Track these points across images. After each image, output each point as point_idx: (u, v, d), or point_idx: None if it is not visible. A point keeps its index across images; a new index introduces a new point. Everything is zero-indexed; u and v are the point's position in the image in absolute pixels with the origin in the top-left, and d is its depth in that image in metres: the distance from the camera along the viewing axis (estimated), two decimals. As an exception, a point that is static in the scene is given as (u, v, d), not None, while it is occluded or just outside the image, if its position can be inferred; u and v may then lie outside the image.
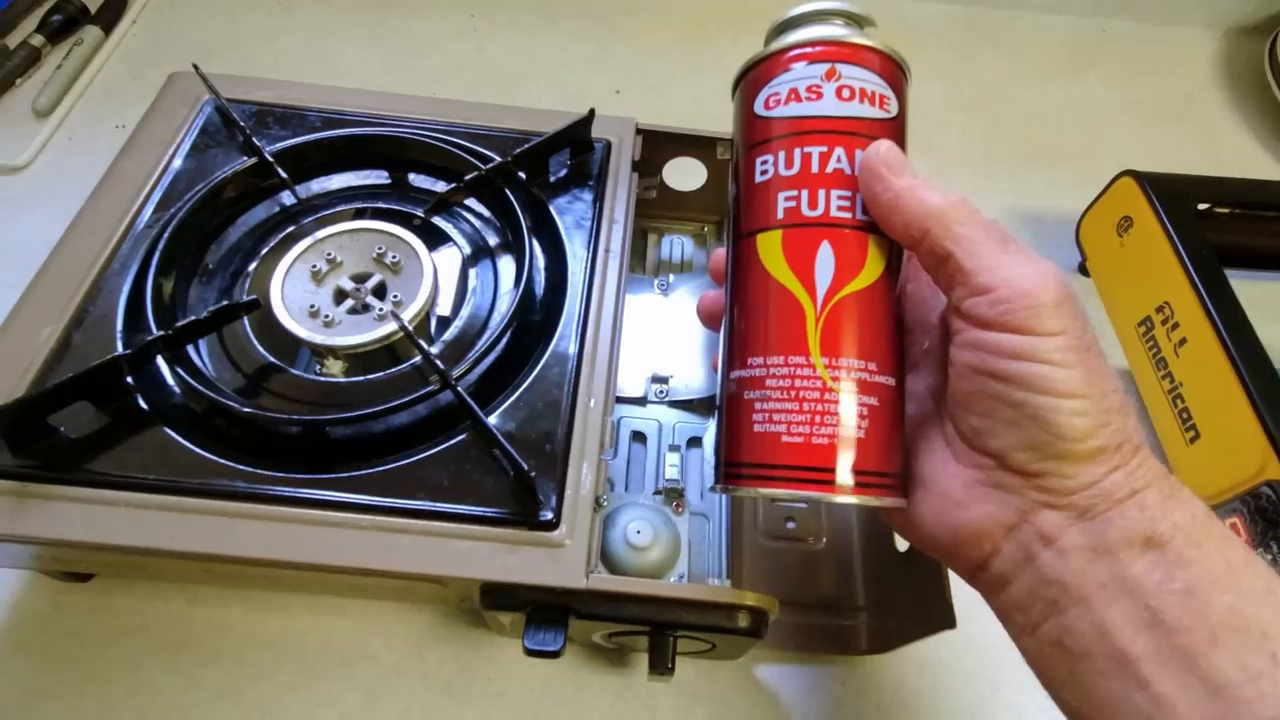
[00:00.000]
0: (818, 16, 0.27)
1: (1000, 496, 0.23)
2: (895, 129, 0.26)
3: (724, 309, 0.28)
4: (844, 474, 0.23)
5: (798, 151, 0.25)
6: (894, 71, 0.26)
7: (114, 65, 0.57)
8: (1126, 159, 0.49)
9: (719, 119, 0.44)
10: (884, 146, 0.24)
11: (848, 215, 0.25)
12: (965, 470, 0.24)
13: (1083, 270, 0.53)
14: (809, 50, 0.26)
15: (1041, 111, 0.63)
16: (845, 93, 0.25)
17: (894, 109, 0.26)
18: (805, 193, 0.25)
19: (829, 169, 0.25)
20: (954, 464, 0.25)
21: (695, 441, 0.41)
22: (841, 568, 0.39)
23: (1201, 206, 0.47)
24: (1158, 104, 0.64)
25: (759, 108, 0.27)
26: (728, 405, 0.26)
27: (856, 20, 0.28)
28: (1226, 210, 0.48)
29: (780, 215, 0.25)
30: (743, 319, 0.26)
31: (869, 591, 0.38)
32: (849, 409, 0.23)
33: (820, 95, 0.25)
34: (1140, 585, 0.21)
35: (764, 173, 0.26)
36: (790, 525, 0.40)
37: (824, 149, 0.25)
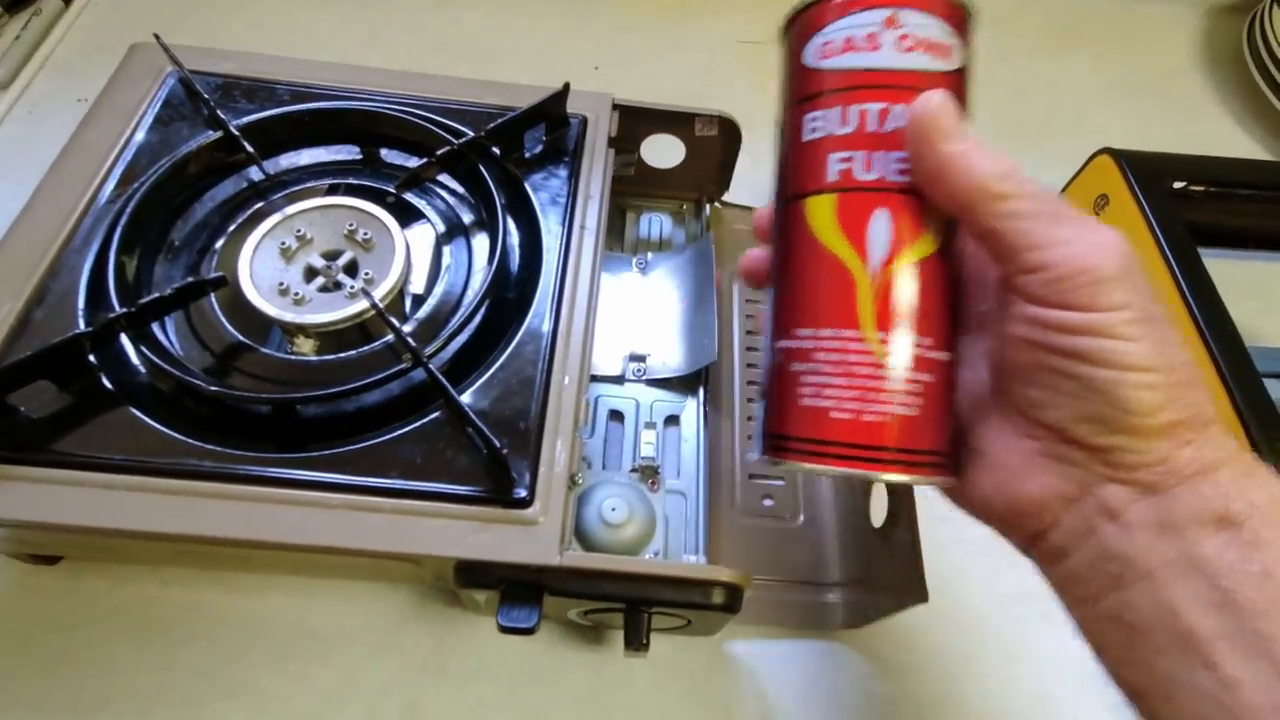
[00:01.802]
0: None
1: (1061, 468, 0.23)
2: (958, 82, 0.24)
3: (768, 270, 0.26)
4: (894, 453, 0.22)
5: (854, 108, 0.23)
6: (959, 17, 0.24)
7: (75, 36, 0.56)
8: (1108, 137, 0.49)
9: (699, 97, 0.44)
10: (934, 102, 0.22)
11: (906, 179, 0.23)
12: (1023, 441, 0.23)
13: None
14: None
15: (1024, 89, 0.63)
16: (906, 42, 0.23)
17: (958, 60, 0.24)
18: (861, 154, 0.23)
19: (887, 127, 0.23)
20: (1011, 434, 0.23)
21: (673, 420, 0.41)
22: (817, 544, 0.39)
23: (1177, 185, 0.47)
24: (1140, 82, 0.64)
25: (809, 58, 0.24)
26: (774, 375, 0.24)
27: None
28: (1202, 189, 0.48)
29: (833, 178, 0.23)
30: (790, 287, 0.24)
31: (844, 567, 0.38)
32: (902, 386, 0.22)
33: (878, 45, 0.23)
34: (1212, 564, 0.21)
35: (814, 130, 0.24)
36: (767, 503, 0.40)
37: (882, 105, 0.23)
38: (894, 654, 0.37)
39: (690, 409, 0.42)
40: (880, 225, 0.23)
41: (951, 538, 0.41)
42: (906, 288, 0.22)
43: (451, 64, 0.58)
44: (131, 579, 0.35)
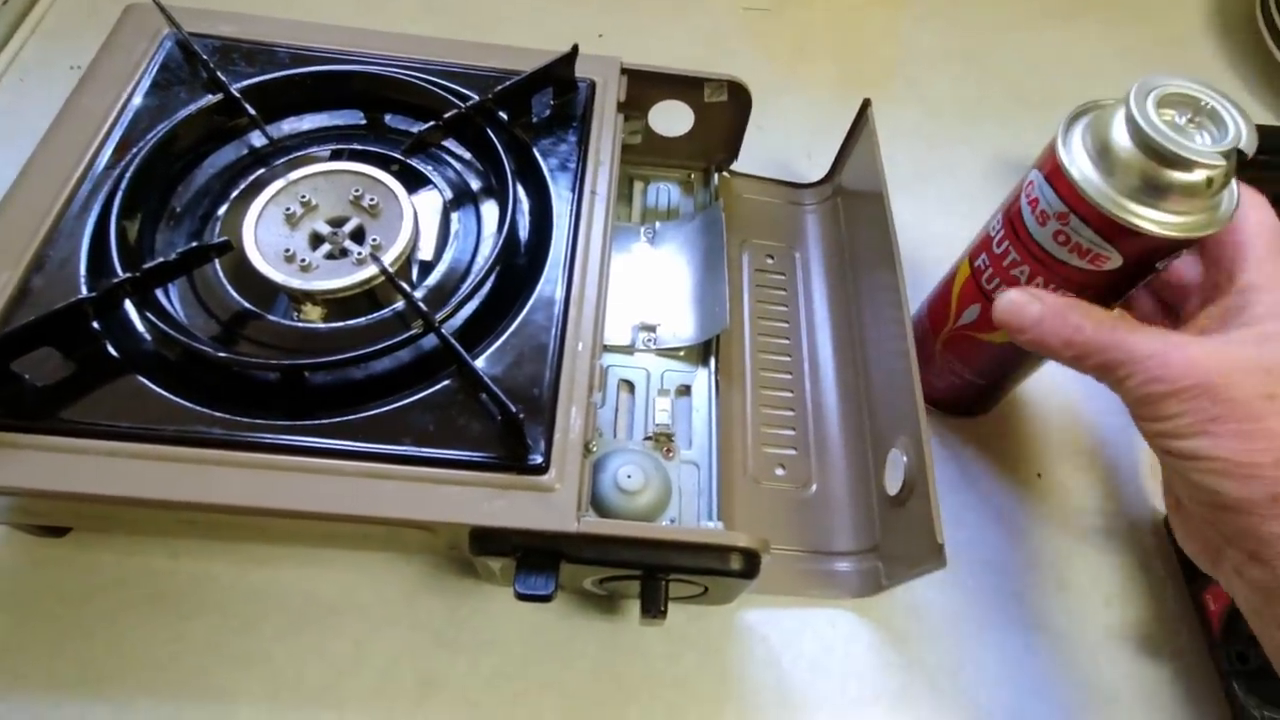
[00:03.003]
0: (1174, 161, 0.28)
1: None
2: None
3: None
4: None
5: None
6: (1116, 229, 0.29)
7: (65, 2, 0.54)
8: (1118, 103, 0.48)
9: (703, 65, 0.43)
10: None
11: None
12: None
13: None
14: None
15: (1033, 57, 0.62)
16: (1060, 238, 0.31)
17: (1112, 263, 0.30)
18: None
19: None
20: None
21: (684, 390, 0.41)
22: (830, 513, 0.39)
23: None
24: (1150, 49, 0.63)
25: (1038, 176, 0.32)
26: None
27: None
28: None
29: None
30: None
31: (857, 536, 0.38)
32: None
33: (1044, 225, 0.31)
34: None
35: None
36: (779, 472, 0.40)
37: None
38: (907, 622, 0.37)
39: (701, 379, 0.41)
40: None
41: (964, 506, 0.41)
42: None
43: (451, 29, 0.56)
44: (140, 551, 0.35)
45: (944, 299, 0.39)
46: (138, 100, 0.37)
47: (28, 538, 0.35)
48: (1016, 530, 0.41)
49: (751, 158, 0.49)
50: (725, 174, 0.49)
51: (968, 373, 0.40)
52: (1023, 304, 0.30)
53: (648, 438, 0.37)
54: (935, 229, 0.48)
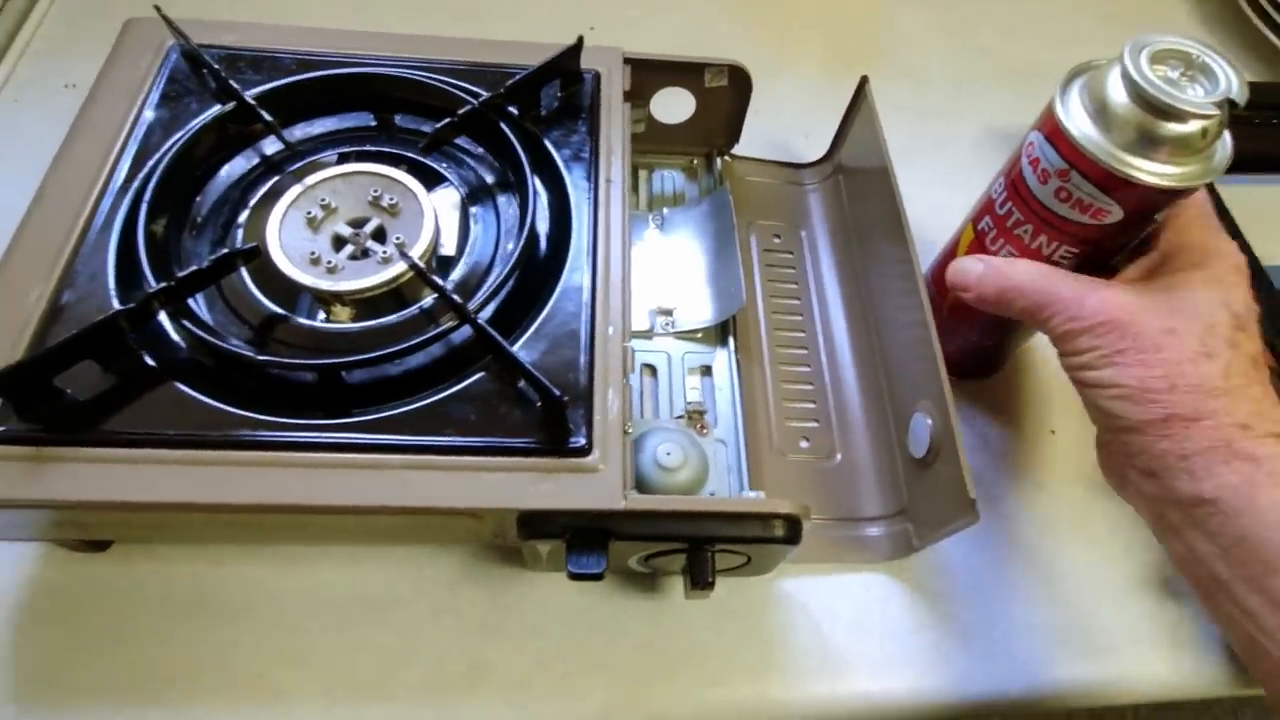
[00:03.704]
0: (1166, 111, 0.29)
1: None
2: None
3: None
4: None
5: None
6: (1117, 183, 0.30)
7: (54, 20, 0.54)
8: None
9: (696, 51, 0.44)
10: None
11: None
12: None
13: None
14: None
15: (1018, 29, 0.63)
16: (1062, 194, 0.32)
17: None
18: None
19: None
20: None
21: (705, 370, 0.42)
22: (856, 480, 0.40)
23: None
24: (1128, 17, 0.65)
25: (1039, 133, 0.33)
26: None
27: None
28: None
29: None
30: None
31: (885, 500, 0.39)
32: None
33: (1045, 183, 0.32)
34: (1207, 529, 0.29)
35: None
36: (804, 444, 0.41)
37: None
38: (937, 582, 0.38)
39: (721, 359, 0.42)
40: None
41: (983, 466, 0.42)
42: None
43: (442, 26, 0.56)
44: (181, 559, 0.35)
45: (949, 264, 0.40)
46: (149, 113, 0.37)
47: (68, 554, 0.35)
48: (1034, 486, 0.42)
49: (750, 141, 0.49)
50: (727, 158, 0.49)
51: (974, 334, 0.41)
52: (968, 265, 0.35)
53: (679, 416, 0.38)
54: (932, 200, 0.49)
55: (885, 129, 0.43)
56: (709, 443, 0.37)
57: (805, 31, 0.62)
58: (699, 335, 0.42)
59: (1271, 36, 0.59)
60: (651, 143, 0.48)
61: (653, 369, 0.41)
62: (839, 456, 0.40)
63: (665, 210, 0.47)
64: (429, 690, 0.34)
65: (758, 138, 0.51)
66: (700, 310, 0.42)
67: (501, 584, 0.36)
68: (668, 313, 0.43)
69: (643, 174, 0.49)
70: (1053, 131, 0.32)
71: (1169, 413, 0.29)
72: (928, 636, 0.37)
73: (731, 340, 0.42)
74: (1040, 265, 0.34)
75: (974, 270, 0.35)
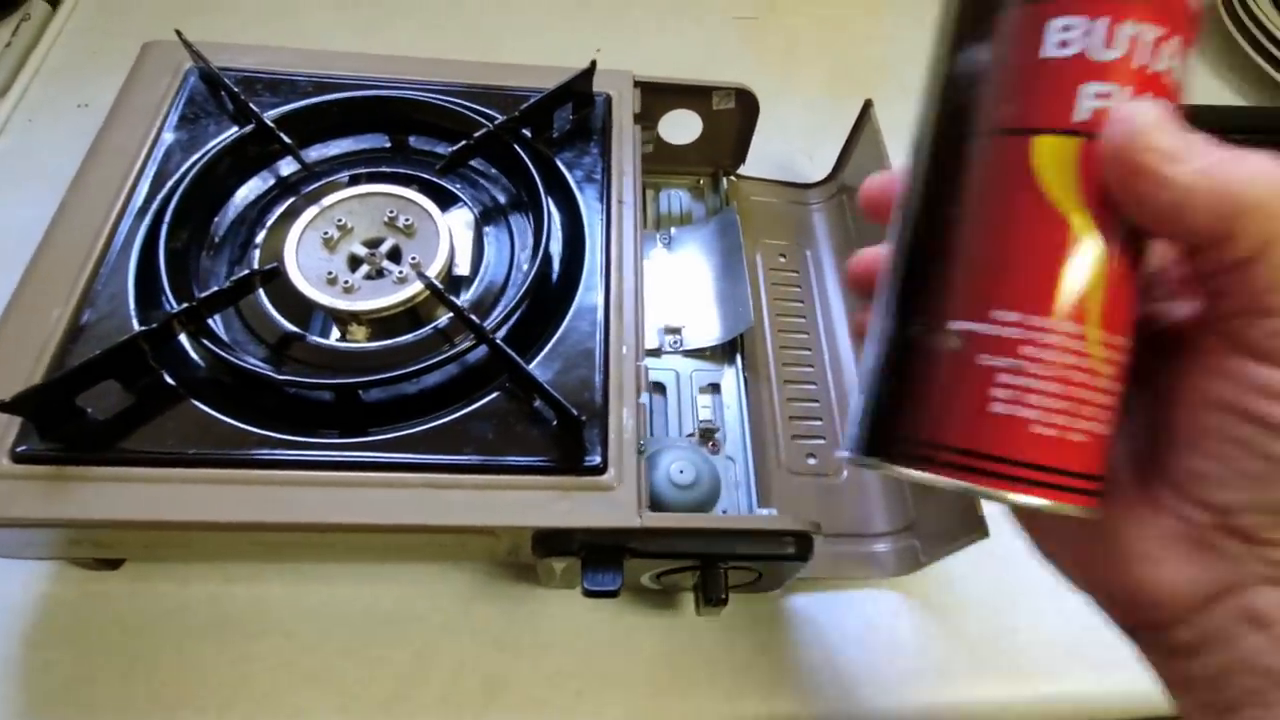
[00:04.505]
0: None
1: (1208, 560, 0.19)
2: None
3: (900, 237, 0.21)
4: (1093, 482, 0.18)
5: (1125, 27, 0.17)
6: None
7: (66, 41, 0.54)
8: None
9: (701, 74, 0.44)
10: (1148, 118, 0.17)
11: None
12: (1165, 520, 0.19)
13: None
14: None
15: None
16: None
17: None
18: (1125, 92, 0.17)
19: (1161, 65, 0.17)
20: (1151, 511, 0.20)
21: (714, 388, 0.42)
22: (863, 497, 0.40)
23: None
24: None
25: None
26: (938, 364, 0.19)
27: None
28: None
29: (1082, 116, 0.17)
30: (987, 250, 0.18)
31: (892, 517, 0.39)
32: (1111, 399, 0.18)
33: None
34: None
35: (1064, 45, 0.18)
36: (811, 461, 0.41)
37: (1161, 31, 0.17)
38: (944, 596, 0.39)
39: (729, 377, 0.42)
40: None
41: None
42: (1135, 279, 0.18)
43: (452, 50, 0.57)
44: (196, 578, 0.35)
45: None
46: (168, 134, 0.37)
47: (81, 572, 0.35)
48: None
49: (754, 161, 0.50)
50: (733, 178, 0.50)
51: None
52: (1165, 144, 0.17)
53: (690, 435, 0.39)
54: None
55: (889, 149, 0.44)
56: (721, 460, 0.37)
57: (808, 54, 0.63)
58: (707, 353, 0.43)
59: (1261, 62, 0.60)
60: (659, 163, 0.49)
61: (661, 387, 0.42)
62: (845, 473, 0.41)
63: (673, 229, 0.48)
64: (444, 706, 0.34)
65: (763, 158, 0.52)
66: (708, 329, 0.43)
67: (515, 601, 0.37)
68: (676, 331, 0.43)
69: (650, 193, 0.50)
70: None
71: None
72: (937, 650, 0.37)
73: (739, 358, 0.43)
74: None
75: (1179, 167, 0.17)
